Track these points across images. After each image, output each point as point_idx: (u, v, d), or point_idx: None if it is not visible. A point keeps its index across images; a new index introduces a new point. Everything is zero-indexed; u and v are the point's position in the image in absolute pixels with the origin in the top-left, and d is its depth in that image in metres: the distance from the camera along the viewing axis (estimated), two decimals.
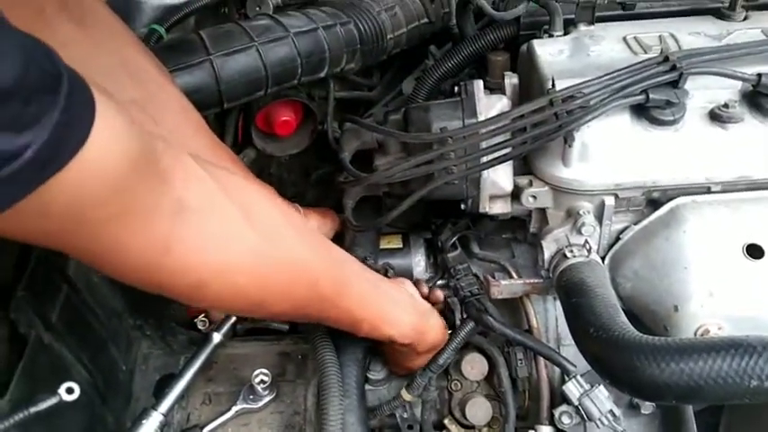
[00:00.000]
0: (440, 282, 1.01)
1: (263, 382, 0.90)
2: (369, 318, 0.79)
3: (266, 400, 0.92)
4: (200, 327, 0.97)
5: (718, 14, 0.97)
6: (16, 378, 0.68)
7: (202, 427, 0.90)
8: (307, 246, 0.71)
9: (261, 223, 0.62)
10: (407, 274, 1.03)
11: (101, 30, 0.74)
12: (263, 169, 1.27)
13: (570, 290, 0.79)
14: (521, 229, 1.02)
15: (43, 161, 0.38)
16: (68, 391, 0.67)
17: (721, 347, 0.61)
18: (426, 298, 0.93)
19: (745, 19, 0.96)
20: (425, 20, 1.14)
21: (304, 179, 1.34)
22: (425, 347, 0.88)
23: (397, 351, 0.89)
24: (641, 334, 0.67)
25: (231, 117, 1.11)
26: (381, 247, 1.05)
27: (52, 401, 0.65)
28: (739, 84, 0.84)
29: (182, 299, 0.60)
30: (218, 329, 0.94)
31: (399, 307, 0.84)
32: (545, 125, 0.81)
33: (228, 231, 0.58)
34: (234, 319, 0.96)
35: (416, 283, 0.94)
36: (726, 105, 0.83)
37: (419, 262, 1.04)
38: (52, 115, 0.37)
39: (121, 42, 0.77)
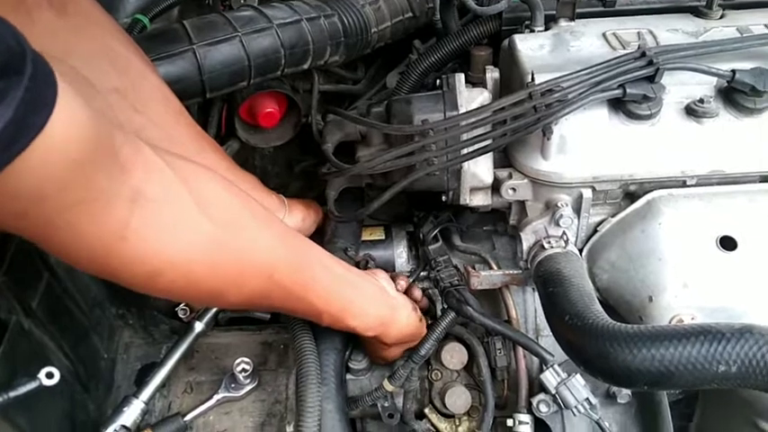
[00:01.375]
0: (421, 273, 1.02)
1: (244, 370, 0.91)
2: (331, 310, 0.79)
3: (248, 388, 0.92)
4: (181, 316, 0.97)
5: (696, 12, 0.99)
6: None
7: (184, 415, 0.90)
8: (266, 236, 0.70)
9: (218, 213, 0.62)
10: (389, 265, 1.04)
11: (82, 18, 0.74)
12: (246, 161, 1.27)
13: (547, 280, 0.80)
14: (501, 222, 1.04)
15: (6, 140, 0.38)
16: (48, 376, 0.67)
17: (691, 334, 0.63)
18: (405, 293, 0.94)
19: (721, 17, 0.98)
20: (410, 14, 1.15)
21: (287, 171, 1.34)
22: (393, 340, 0.88)
23: (367, 342, 0.90)
24: (614, 321, 0.68)
25: (215, 108, 1.11)
26: (363, 238, 1.06)
27: (32, 386, 0.65)
28: (714, 80, 0.86)
29: (136, 288, 0.60)
30: (199, 318, 0.95)
31: (365, 299, 0.83)
32: (524, 118, 0.82)
33: (184, 221, 0.58)
34: (215, 308, 0.96)
35: (394, 277, 0.94)
36: (701, 101, 0.85)
37: (401, 254, 1.05)
38: (16, 94, 0.38)
39: (103, 31, 0.77)
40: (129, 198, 0.51)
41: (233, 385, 0.92)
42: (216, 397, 0.91)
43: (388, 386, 0.92)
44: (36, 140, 0.40)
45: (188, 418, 0.90)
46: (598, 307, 0.73)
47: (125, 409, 0.86)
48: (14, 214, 0.46)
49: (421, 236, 1.03)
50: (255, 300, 0.72)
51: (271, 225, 0.72)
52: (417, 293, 0.96)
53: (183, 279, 0.60)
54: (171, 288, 0.61)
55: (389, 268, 1.03)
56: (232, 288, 0.66)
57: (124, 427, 0.85)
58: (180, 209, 0.57)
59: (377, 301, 0.84)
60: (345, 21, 1.03)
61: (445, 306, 0.96)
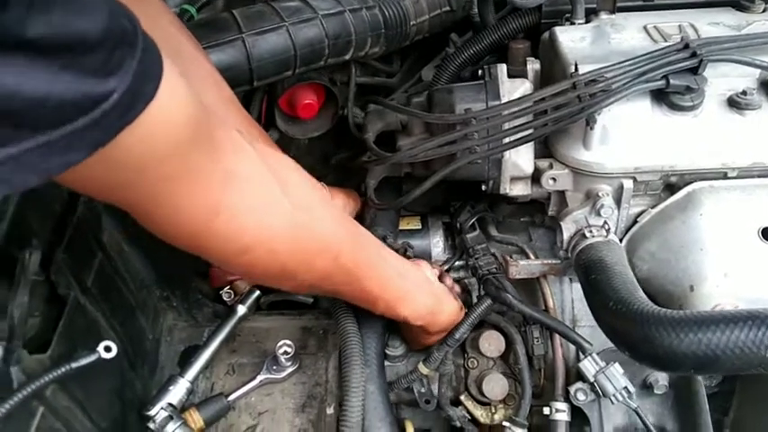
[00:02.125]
0: (458, 262, 1.04)
1: (286, 353, 0.93)
2: (386, 297, 0.81)
3: (289, 370, 0.94)
4: (225, 298, 0.99)
5: (738, 6, 0.99)
6: (57, 336, 0.70)
7: (227, 396, 0.92)
8: (333, 220, 0.73)
9: (296, 195, 0.65)
10: (426, 254, 1.05)
11: (141, 4, 0.76)
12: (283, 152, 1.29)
13: (589, 267, 0.81)
14: (538, 213, 1.05)
15: (124, 106, 0.40)
16: (107, 350, 0.69)
17: (738, 319, 0.64)
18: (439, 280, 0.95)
19: (764, 11, 0.98)
20: (447, 8, 1.16)
21: (323, 163, 1.36)
22: (438, 328, 0.91)
23: (410, 329, 0.92)
24: (659, 307, 0.69)
25: (256, 99, 1.13)
26: (401, 228, 1.07)
27: (92, 358, 0.68)
28: (757, 72, 0.86)
29: (223, 264, 0.63)
30: (242, 302, 0.97)
31: (416, 289, 0.86)
32: (567, 108, 0.83)
33: (270, 201, 0.61)
34: (258, 292, 0.98)
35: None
36: (744, 93, 0.85)
37: (437, 243, 1.07)
38: (132, 64, 0.40)
39: (162, 20, 0.79)
40: (222, 177, 0.54)
41: (275, 367, 0.94)
42: (258, 378, 0.94)
43: (423, 369, 0.94)
44: (146, 110, 0.42)
45: (231, 398, 0.92)
46: (641, 294, 0.74)
47: (171, 387, 0.89)
48: (119, 185, 0.48)
49: (458, 225, 1.04)
50: (320, 282, 0.74)
51: (334, 210, 0.74)
52: (449, 282, 0.98)
53: (266, 257, 0.63)
54: (254, 265, 0.64)
55: (426, 257, 1.04)
56: (303, 267, 0.69)
57: (170, 404, 0.87)
58: (266, 190, 0.60)
59: (425, 290, 0.86)
60: (386, 13, 1.04)
61: (482, 294, 0.97)
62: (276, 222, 0.62)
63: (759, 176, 0.87)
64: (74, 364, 0.66)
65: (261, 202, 0.60)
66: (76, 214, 0.79)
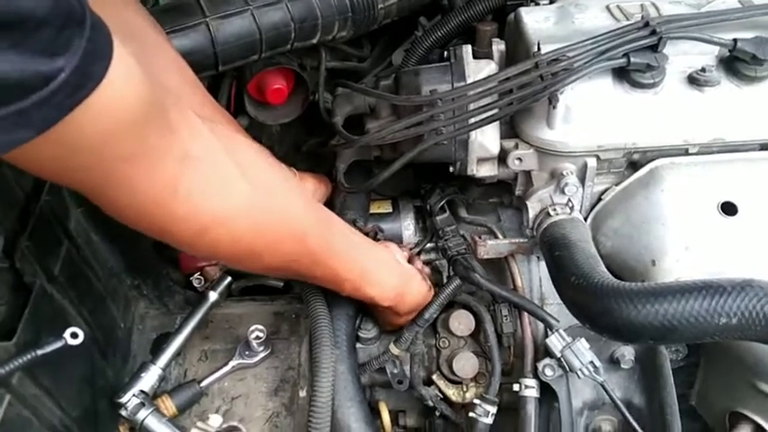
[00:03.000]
0: (429, 244, 1.05)
1: (258, 337, 0.94)
2: (352, 278, 0.82)
3: (261, 355, 0.95)
4: (195, 284, 0.99)
5: None
6: (22, 324, 0.70)
7: (200, 382, 0.93)
8: (298, 202, 0.74)
9: (256, 177, 0.65)
10: (397, 237, 1.06)
11: None
12: (254, 140, 1.29)
13: (553, 244, 0.82)
14: (507, 194, 1.06)
15: (74, 85, 0.40)
16: (73, 336, 0.69)
17: (693, 289, 0.65)
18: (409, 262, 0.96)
19: None
20: None
21: (294, 151, 1.36)
22: (406, 309, 0.92)
23: (379, 310, 0.93)
24: (618, 280, 0.71)
25: (224, 84, 1.13)
26: (371, 211, 1.08)
27: (58, 345, 0.68)
28: (716, 49, 0.88)
29: (183, 245, 0.63)
30: (213, 288, 0.97)
31: (383, 269, 0.87)
32: (531, 87, 0.84)
33: (227, 181, 0.62)
34: (229, 278, 0.99)
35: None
36: (703, 69, 0.86)
37: (408, 226, 1.08)
38: (80, 43, 0.40)
39: (122, 4, 0.79)
40: (179, 157, 0.54)
41: (247, 352, 0.95)
42: (231, 363, 0.94)
43: (394, 349, 0.95)
44: (97, 89, 0.42)
45: (204, 384, 0.93)
46: (603, 268, 0.75)
47: (143, 374, 0.89)
48: (73, 167, 0.48)
49: (428, 207, 1.05)
50: (287, 264, 0.75)
51: (300, 193, 0.75)
52: (419, 264, 0.99)
53: (227, 237, 0.63)
54: (216, 245, 0.64)
55: (397, 240, 1.05)
56: (269, 249, 0.69)
57: (142, 392, 0.87)
58: (223, 170, 0.61)
59: (393, 270, 0.87)
60: None
61: (451, 273, 0.98)
62: (234, 203, 0.62)
63: (719, 152, 0.89)
64: (39, 351, 0.67)
65: (219, 182, 0.60)
66: (40, 202, 0.78)
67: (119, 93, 0.45)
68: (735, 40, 0.85)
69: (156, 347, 0.99)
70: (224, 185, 0.61)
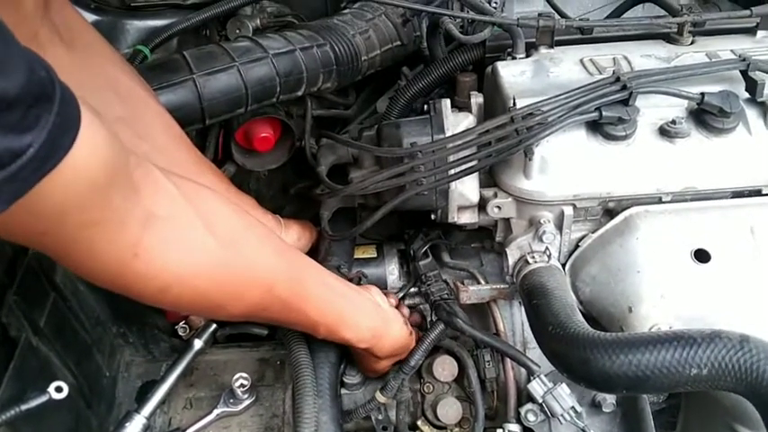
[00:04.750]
0: (412, 289, 1.06)
1: (242, 385, 0.94)
2: (326, 322, 0.83)
3: (246, 403, 0.95)
4: (180, 333, 1.00)
5: (668, 39, 1.05)
6: (6, 378, 0.71)
7: (184, 430, 0.93)
8: (266, 252, 0.74)
9: (221, 231, 0.66)
10: (381, 282, 1.08)
11: (89, 52, 0.78)
12: (242, 184, 1.31)
13: (531, 292, 0.84)
14: (489, 239, 1.08)
15: (41, 159, 0.42)
16: (57, 390, 0.70)
17: (664, 340, 0.67)
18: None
19: (692, 43, 1.03)
20: (398, 42, 1.20)
21: (282, 194, 1.38)
22: (385, 352, 0.92)
23: (358, 354, 0.94)
24: (594, 330, 0.73)
25: (212, 133, 1.15)
26: (356, 257, 1.10)
27: (42, 399, 0.68)
28: (686, 102, 0.91)
29: (147, 301, 0.64)
30: (198, 336, 0.98)
31: (359, 312, 0.88)
32: (507, 140, 0.87)
33: (192, 239, 0.63)
34: (214, 326, 1.00)
35: (387, 295, 0.99)
36: (673, 122, 0.90)
37: (392, 270, 1.09)
38: (48, 119, 0.42)
39: (108, 63, 0.81)
40: (142, 218, 0.56)
41: (231, 400, 0.95)
42: (215, 412, 0.94)
43: (381, 397, 0.96)
44: (64, 161, 0.44)
45: None
46: (579, 317, 0.77)
47: (127, 424, 0.89)
48: (38, 232, 0.50)
49: (411, 252, 1.07)
50: (255, 311, 0.75)
51: (270, 241, 0.76)
52: (405, 310, 1.01)
53: (190, 293, 0.64)
54: (178, 301, 0.65)
55: (381, 285, 1.06)
56: (233, 301, 0.70)
57: None
58: (188, 227, 0.62)
59: (370, 313, 0.88)
60: (337, 50, 1.08)
61: (435, 319, 1.00)
62: (198, 260, 0.63)
63: (692, 200, 0.92)
64: (23, 407, 0.67)
65: (182, 240, 0.61)
66: (28, 256, 0.80)
67: (85, 160, 0.47)
68: (702, 94, 0.89)
69: (142, 395, 0.99)
70: (187, 243, 0.62)
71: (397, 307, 0.99)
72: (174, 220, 0.60)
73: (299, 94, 1.05)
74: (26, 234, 0.50)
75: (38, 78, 0.41)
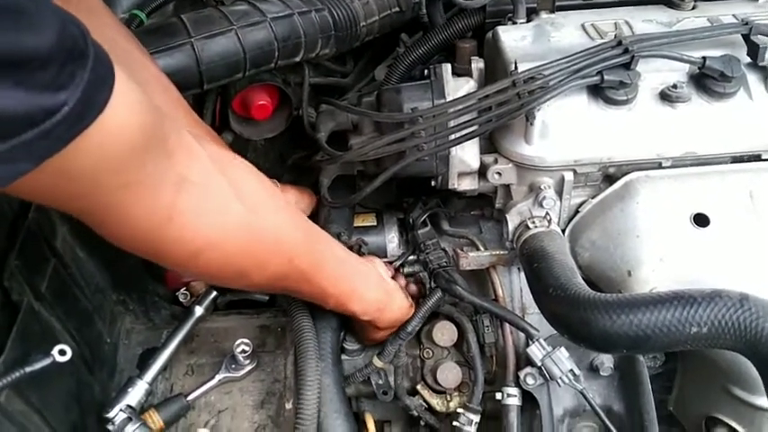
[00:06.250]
0: (410, 257, 1.06)
1: (244, 351, 0.95)
2: (337, 294, 0.84)
3: (247, 369, 0.96)
4: (181, 300, 1.00)
5: (670, 4, 1.04)
6: (11, 341, 0.71)
7: (186, 396, 0.93)
8: (287, 220, 0.75)
9: (248, 197, 0.66)
10: (380, 251, 1.08)
11: (87, 14, 0.76)
12: (239, 154, 1.30)
13: (532, 257, 0.85)
14: (488, 207, 1.08)
15: (75, 117, 0.41)
16: (61, 353, 0.70)
17: (665, 300, 0.68)
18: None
19: (693, 8, 1.03)
20: (396, 9, 1.19)
21: (279, 164, 1.37)
22: (385, 324, 0.93)
23: (358, 324, 0.94)
24: (594, 292, 0.73)
25: (209, 101, 1.14)
26: (356, 224, 1.10)
27: (46, 362, 0.68)
28: (687, 67, 0.91)
29: (177, 267, 0.65)
30: (199, 303, 0.99)
31: (366, 284, 0.89)
32: (508, 104, 0.86)
33: (222, 204, 0.63)
34: (215, 292, 1.00)
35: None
36: (674, 86, 0.89)
37: (392, 239, 1.09)
38: (83, 76, 0.41)
39: (106, 25, 0.80)
40: (175, 182, 0.55)
41: (233, 366, 0.96)
42: (217, 377, 0.95)
43: (378, 362, 0.96)
44: (98, 120, 0.43)
45: (190, 398, 0.94)
46: (579, 279, 0.78)
47: (129, 389, 0.90)
48: (72, 195, 0.49)
49: (410, 221, 1.07)
50: (275, 281, 0.76)
51: (289, 210, 0.76)
52: (402, 281, 1.01)
53: (219, 259, 0.64)
54: (207, 267, 0.65)
55: (381, 253, 1.07)
56: (257, 269, 0.70)
57: (129, 406, 0.88)
58: (218, 193, 0.62)
59: (376, 286, 0.89)
60: (335, 15, 1.06)
61: (433, 287, 1.00)
62: (229, 225, 0.64)
63: (691, 165, 0.92)
64: (27, 369, 0.67)
65: (213, 205, 0.61)
66: (28, 220, 0.79)
67: (120, 121, 0.46)
68: (704, 58, 0.88)
69: (143, 362, 0.99)
70: (218, 208, 0.62)
71: (394, 277, 1.00)
72: (206, 186, 0.60)
73: (297, 59, 1.04)
74: (60, 197, 0.50)
75: (70, 35, 0.40)
